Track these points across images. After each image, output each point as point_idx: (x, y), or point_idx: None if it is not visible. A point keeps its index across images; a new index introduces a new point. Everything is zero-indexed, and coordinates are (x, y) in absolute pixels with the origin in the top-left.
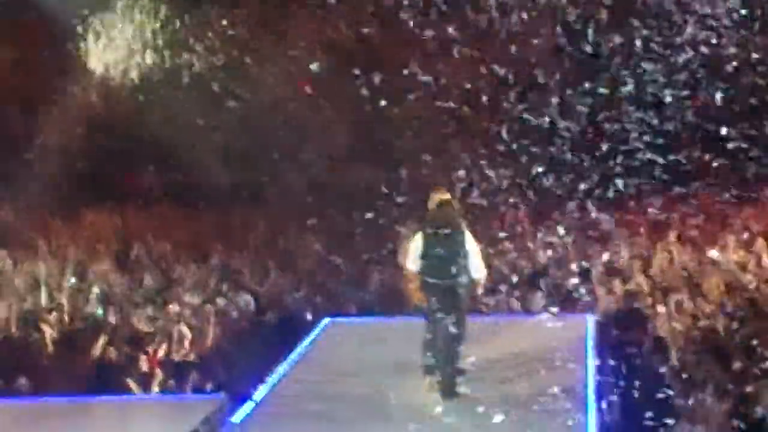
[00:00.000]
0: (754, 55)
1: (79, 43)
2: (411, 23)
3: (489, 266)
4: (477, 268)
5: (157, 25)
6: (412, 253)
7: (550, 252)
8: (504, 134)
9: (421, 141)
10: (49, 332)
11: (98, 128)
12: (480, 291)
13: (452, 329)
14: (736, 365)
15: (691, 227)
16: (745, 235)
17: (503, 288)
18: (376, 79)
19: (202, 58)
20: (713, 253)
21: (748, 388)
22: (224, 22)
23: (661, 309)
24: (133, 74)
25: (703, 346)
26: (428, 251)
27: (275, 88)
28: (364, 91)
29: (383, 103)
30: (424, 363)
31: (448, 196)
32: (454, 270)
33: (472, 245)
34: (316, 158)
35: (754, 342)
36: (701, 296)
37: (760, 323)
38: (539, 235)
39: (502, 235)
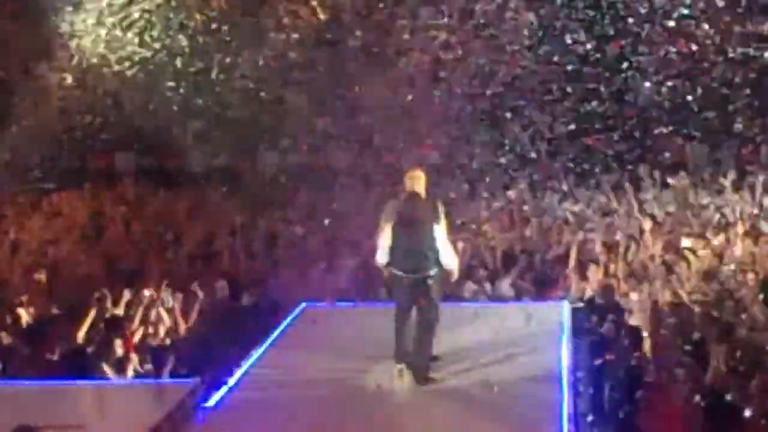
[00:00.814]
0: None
1: (54, 23)
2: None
3: (464, 253)
4: (448, 258)
5: (132, 6)
6: (382, 244)
7: (526, 238)
8: (478, 120)
9: (399, 126)
10: (24, 316)
11: (72, 109)
12: (453, 280)
13: (424, 318)
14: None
15: (663, 214)
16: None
17: (478, 275)
18: (354, 62)
19: (179, 40)
20: (685, 242)
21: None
22: (201, 4)
23: (635, 296)
24: (108, 56)
25: (676, 331)
26: (398, 244)
27: (252, 71)
28: (341, 74)
29: (361, 86)
30: (396, 351)
31: (422, 178)
32: (422, 262)
33: (441, 237)
34: (293, 142)
35: (729, 329)
36: (676, 283)
37: (733, 310)
38: (516, 221)
39: (477, 220)
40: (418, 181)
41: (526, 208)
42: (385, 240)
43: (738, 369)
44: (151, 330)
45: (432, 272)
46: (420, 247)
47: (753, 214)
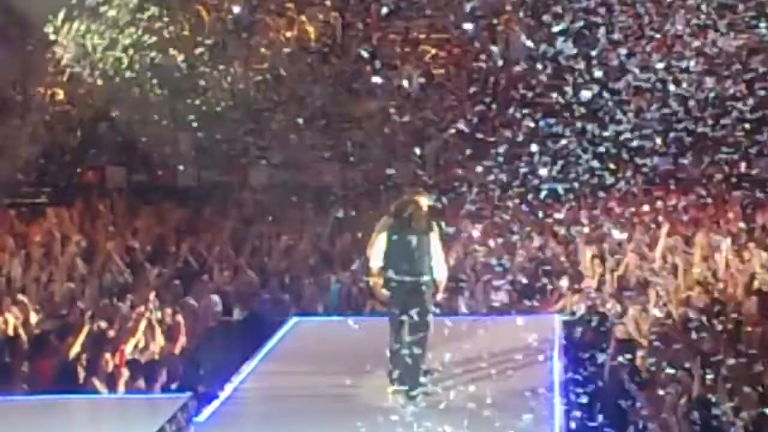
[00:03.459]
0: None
1: (41, 39)
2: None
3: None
4: (439, 269)
5: (122, 21)
6: (378, 249)
7: (518, 251)
8: (471, 132)
9: (389, 140)
10: (18, 331)
11: (62, 125)
12: (440, 295)
13: (417, 328)
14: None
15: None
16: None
17: (472, 288)
18: (346, 77)
19: (168, 54)
20: (678, 259)
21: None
22: (191, 18)
23: (627, 309)
24: (98, 70)
25: (668, 346)
26: (393, 249)
27: (243, 86)
28: (334, 90)
29: (352, 102)
30: (390, 372)
31: (424, 200)
32: (418, 268)
33: (437, 247)
34: (284, 157)
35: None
36: (668, 296)
37: (725, 324)
38: (507, 234)
39: (469, 234)
40: (417, 196)
41: (516, 221)
42: (379, 246)
43: (728, 382)
44: (142, 345)
45: (426, 278)
46: (416, 252)
47: (741, 229)
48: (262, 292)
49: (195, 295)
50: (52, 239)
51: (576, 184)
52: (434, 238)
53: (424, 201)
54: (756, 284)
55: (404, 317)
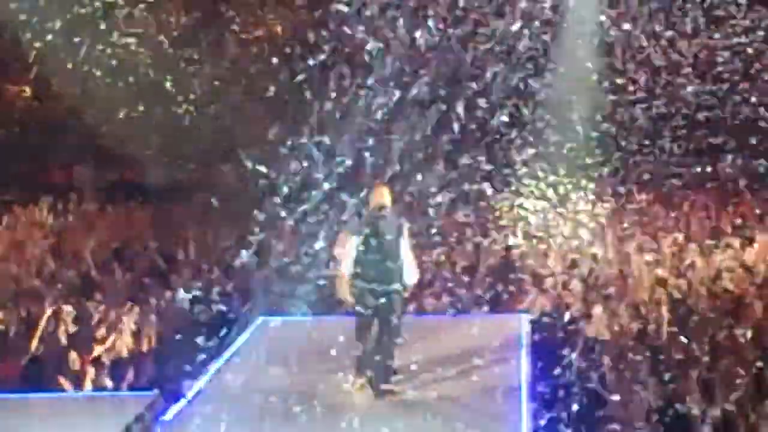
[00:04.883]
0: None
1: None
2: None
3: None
4: (409, 274)
5: (91, 18)
6: (347, 256)
7: (485, 251)
8: (440, 129)
9: (358, 139)
10: None
11: (31, 123)
12: (406, 295)
13: (385, 333)
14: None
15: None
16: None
17: (438, 287)
18: (315, 75)
19: (137, 52)
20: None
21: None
22: (160, 16)
23: (594, 309)
24: (67, 68)
25: (635, 345)
26: (363, 255)
27: (210, 84)
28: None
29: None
30: (357, 365)
31: (387, 192)
32: (388, 275)
33: (407, 251)
34: (250, 155)
35: (685, 341)
36: (634, 296)
37: (690, 322)
38: (473, 233)
39: (437, 233)
40: (384, 195)
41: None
42: (350, 252)
43: (696, 382)
44: (110, 343)
45: (396, 286)
46: (387, 260)
47: (707, 229)
48: (230, 292)
49: (162, 293)
50: (19, 237)
51: (543, 184)
52: (404, 242)
53: (387, 194)
54: (722, 284)
55: (373, 323)
